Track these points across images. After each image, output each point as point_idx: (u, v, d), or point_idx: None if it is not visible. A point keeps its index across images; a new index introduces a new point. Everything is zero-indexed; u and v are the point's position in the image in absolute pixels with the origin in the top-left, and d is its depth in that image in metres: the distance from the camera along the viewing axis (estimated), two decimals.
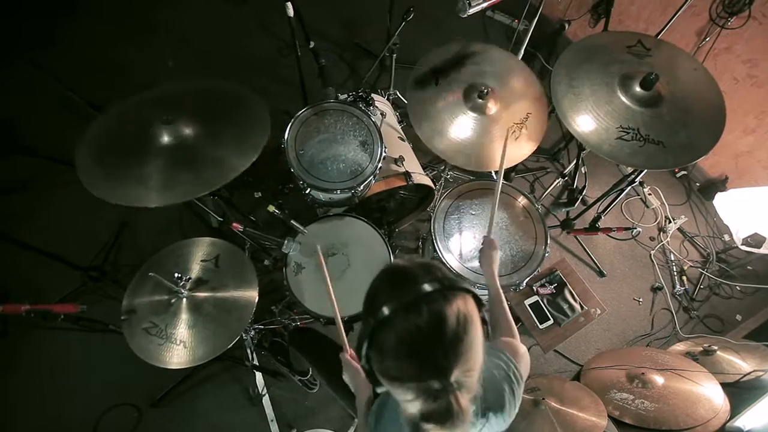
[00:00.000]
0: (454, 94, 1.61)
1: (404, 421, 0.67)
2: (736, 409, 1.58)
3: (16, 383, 1.95)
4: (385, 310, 0.61)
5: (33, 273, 2.08)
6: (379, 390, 0.68)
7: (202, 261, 1.45)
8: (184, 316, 1.35)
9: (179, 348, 1.31)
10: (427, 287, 0.62)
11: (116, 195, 1.19)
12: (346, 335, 1.60)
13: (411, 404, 0.62)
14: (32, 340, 2.02)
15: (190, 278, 1.39)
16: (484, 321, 0.66)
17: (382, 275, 0.71)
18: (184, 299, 1.36)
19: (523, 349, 0.91)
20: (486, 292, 1.70)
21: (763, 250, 2.10)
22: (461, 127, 1.59)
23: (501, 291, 1.15)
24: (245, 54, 2.79)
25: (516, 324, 2.12)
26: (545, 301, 2.03)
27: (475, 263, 1.61)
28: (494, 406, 0.79)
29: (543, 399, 1.61)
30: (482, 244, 1.24)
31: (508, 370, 0.84)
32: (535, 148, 1.63)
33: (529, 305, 2.02)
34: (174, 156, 1.27)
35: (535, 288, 2.04)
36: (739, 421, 1.54)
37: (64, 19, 2.79)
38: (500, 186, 1.34)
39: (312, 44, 2.41)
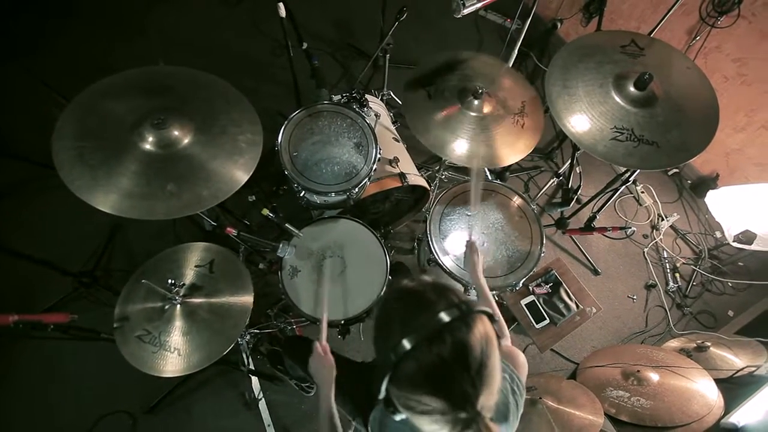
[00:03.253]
0: (450, 101, 1.61)
1: None
2: (730, 405, 1.59)
3: (7, 394, 1.92)
4: (406, 344, 0.58)
5: (23, 280, 2.04)
6: (397, 418, 0.65)
7: (196, 267, 1.43)
8: (178, 323, 1.33)
9: (173, 355, 1.29)
10: (445, 316, 0.59)
11: (103, 201, 1.16)
12: (343, 338, 1.60)
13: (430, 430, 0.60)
14: (22, 350, 1.98)
15: (183, 284, 1.37)
16: (497, 335, 0.65)
17: (392, 300, 0.67)
18: (178, 306, 1.34)
19: (522, 357, 0.91)
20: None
21: (754, 247, 2.12)
22: (461, 129, 1.59)
23: (488, 293, 1.15)
24: (238, 55, 2.76)
25: (512, 324, 2.15)
26: (541, 300, 2.04)
27: None
28: (498, 418, 0.79)
29: (540, 398, 1.62)
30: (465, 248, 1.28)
31: (512, 382, 0.84)
32: (537, 139, 1.65)
33: (525, 305, 2.03)
34: (158, 165, 1.23)
35: (531, 288, 2.05)
36: (734, 417, 1.55)
37: (55, 22, 2.75)
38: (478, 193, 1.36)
39: (305, 45, 2.38)
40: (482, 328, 0.61)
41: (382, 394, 0.63)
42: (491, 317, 0.65)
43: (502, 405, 0.80)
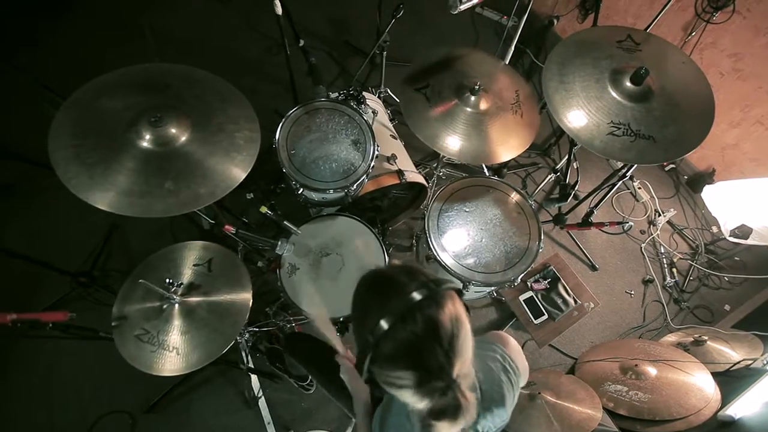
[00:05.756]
0: (448, 101, 1.62)
1: (412, 421, 0.69)
2: (727, 398, 1.61)
3: (5, 394, 1.91)
4: (383, 324, 0.62)
5: (20, 280, 2.03)
6: (384, 395, 0.70)
7: (194, 266, 1.43)
8: (176, 322, 1.33)
9: (172, 354, 1.29)
10: (416, 295, 0.64)
11: (101, 199, 1.15)
12: (342, 335, 1.60)
13: (419, 404, 0.64)
14: (21, 349, 1.97)
15: (182, 284, 1.37)
16: (466, 307, 0.70)
17: (366, 286, 0.72)
18: (177, 305, 1.34)
19: (513, 341, 0.92)
20: (482, 290, 1.71)
21: (750, 241, 2.14)
22: (459, 125, 1.59)
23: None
24: (234, 53, 2.75)
25: (511, 320, 2.16)
26: (539, 296, 2.05)
27: (470, 260, 1.61)
28: (496, 399, 0.81)
29: (539, 393, 1.63)
30: None
31: (504, 362, 0.85)
32: (535, 130, 1.66)
33: (523, 301, 2.04)
34: (156, 163, 1.23)
35: (529, 283, 2.06)
36: (730, 410, 1.57)
37: (47, 19, 2.73)
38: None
39: (301, 42, 2.38)
40: (451, 304, 0.65)
41: (364, 376, 0.67)
42: (459, 292, 0.69)
43: (495, 385, 0.82)
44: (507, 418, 0.84)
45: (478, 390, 0.76)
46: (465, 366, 0.65)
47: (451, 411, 0.62)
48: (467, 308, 0.70)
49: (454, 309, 0.65)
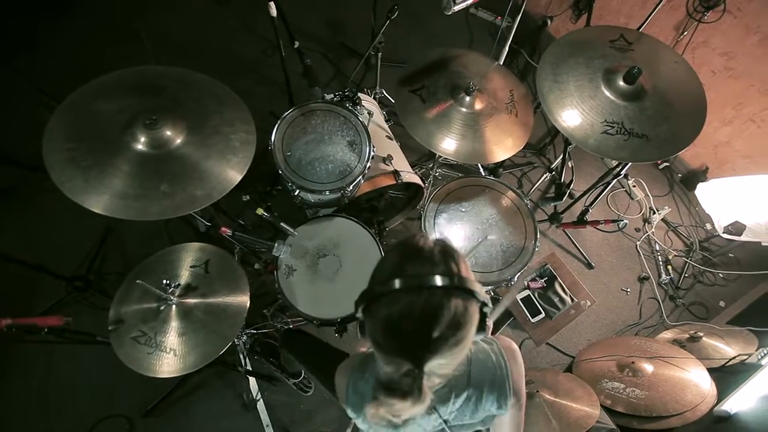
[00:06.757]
0: (444, 101, 1.63)
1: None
2: (722, 393, 1.62)
3: (3, 399, 1.89)
4: (392, 284, 0.62)
5: (15, 284, 2.01)
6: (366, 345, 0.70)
7: (191, 267, 1.43)
8: (174, 324, 1.32)
9: (169, 356, 1.28)
10: (436, 279, 0.62)
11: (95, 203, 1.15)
12: (341, 336, 1.60)
13: (382, 369, 0.67)
14: (17, 355, 1.96)
15: (179, 285, 1.36)
16: (483, 322, 0.67)
17: (401, 247, 0.70)
18: (174, 306, 1.33)
19: (520, 358, 0.89)
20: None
21: (743, 238, 2.16)
22: (454, 125, 1.61)
23: None
24: (229, 55, 2.75)
25: (508, 319, 2.16)
26: (536, 294, 2.06)
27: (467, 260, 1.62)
28: (491, 388, 0.81)
29: (537, 392, 1.63)
30: None
31: (504, 382, 0.83)
32: (530, 130, 1.68)
33: (520, 300, 2.04)
34: (151, 166, 1.23)
35: (526, 282, 2.07)
36: (726, 405, 1.58)
37: (46, 20, 2.72)
38: None
39: (296, 44, 2.38)
40: (461, 306, 0.63)
41: (358, 314, 0.68)
42: (483, 304, 0.67)
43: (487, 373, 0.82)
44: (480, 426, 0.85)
45: (454, 396, 0.76)
46: (442, 368, 0.64)
47: (400, 394, 0.60)
48: (483, 326, 0.67)
49: (461, 312, 0.62)
